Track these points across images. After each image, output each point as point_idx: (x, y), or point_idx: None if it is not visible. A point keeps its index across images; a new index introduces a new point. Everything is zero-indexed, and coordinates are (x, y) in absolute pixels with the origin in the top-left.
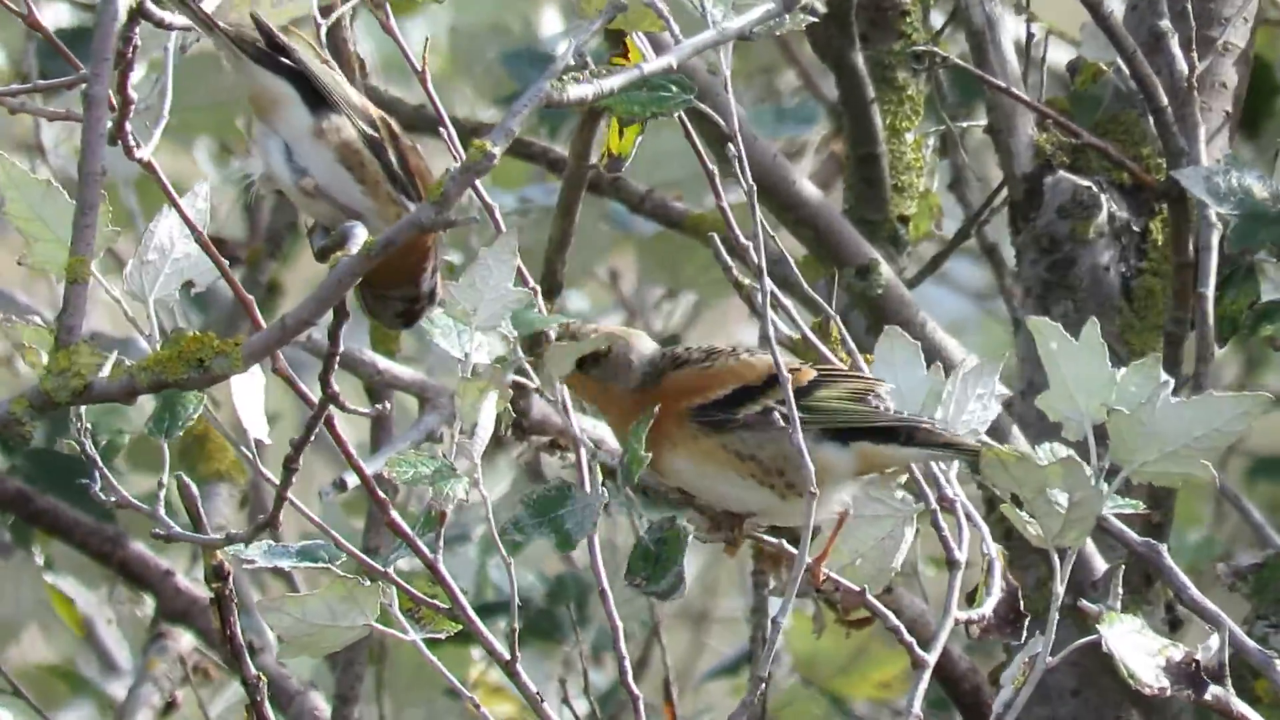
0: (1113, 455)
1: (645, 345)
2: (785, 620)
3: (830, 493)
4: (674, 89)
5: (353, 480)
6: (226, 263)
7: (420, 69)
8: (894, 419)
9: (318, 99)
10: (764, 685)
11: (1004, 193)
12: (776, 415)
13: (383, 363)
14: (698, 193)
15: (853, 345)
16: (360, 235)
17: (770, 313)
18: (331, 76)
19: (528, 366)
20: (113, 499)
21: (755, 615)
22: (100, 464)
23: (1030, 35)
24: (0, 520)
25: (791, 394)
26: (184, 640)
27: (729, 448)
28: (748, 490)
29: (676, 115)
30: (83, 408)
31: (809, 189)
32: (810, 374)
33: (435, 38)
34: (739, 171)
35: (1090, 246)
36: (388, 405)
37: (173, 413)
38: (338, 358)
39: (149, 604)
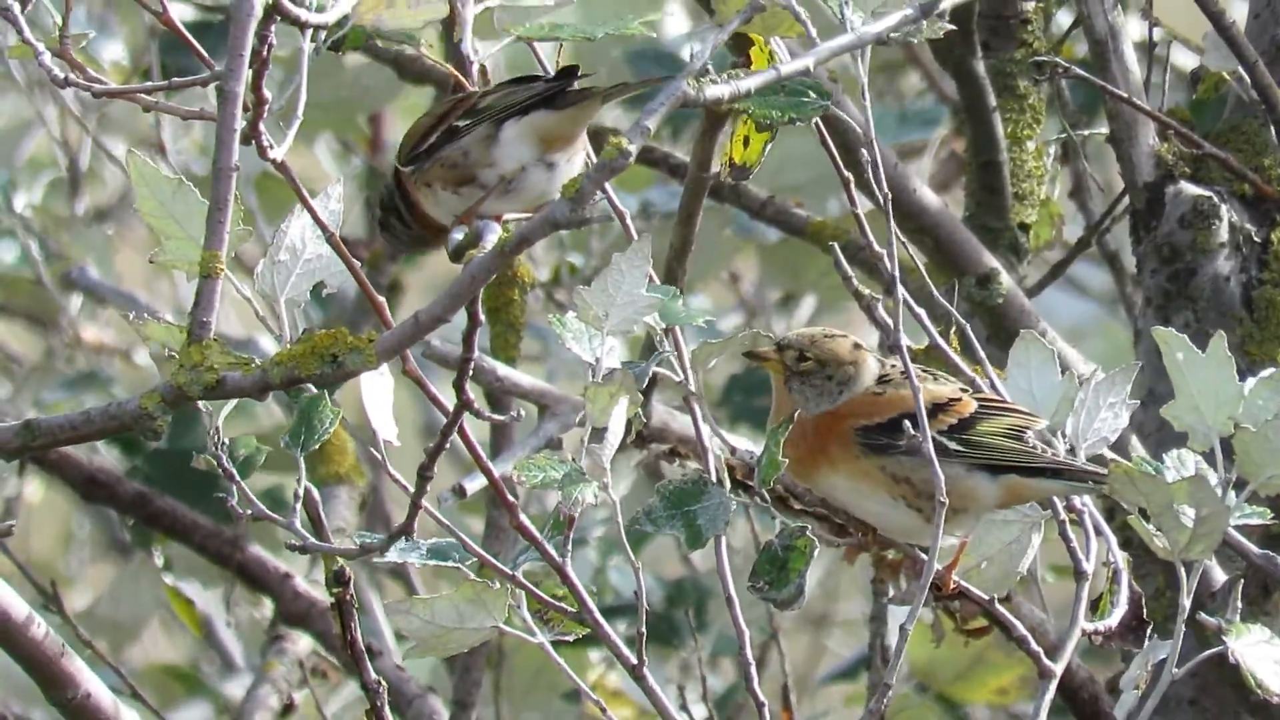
0: (1240, 470)
1: (869, 371)
2: (911, 627)
3: (971, 520)
4: (811, 94)
5: (471, 486)
6: (358, 264)
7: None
8: (1050, 461)
9: None
10: (889, 691)
11: (1125, 201)
12: (942, 443)
13: (502, 369)
14: (818, 199)
15: (983, 356)
16: (494, 233)
17: (886, 323)
18: None
19: (672, 359)
20: (248, 512)
21: (874, 624)
22: (238, 478)
23: (1153, 44)
24: (120, 522)
25: (926, 423)
26: (302, 643)
27: (886, 470)
28: (895, 510)
29: (811, 122)
30: (220, 419)
31: (929, 197)
32: (972, 405)
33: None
34: (873, 179)
35: (1211, 257)
36: (520, 413)
37: (309, 425)
38: (471, 363)
39: (267, 606)
